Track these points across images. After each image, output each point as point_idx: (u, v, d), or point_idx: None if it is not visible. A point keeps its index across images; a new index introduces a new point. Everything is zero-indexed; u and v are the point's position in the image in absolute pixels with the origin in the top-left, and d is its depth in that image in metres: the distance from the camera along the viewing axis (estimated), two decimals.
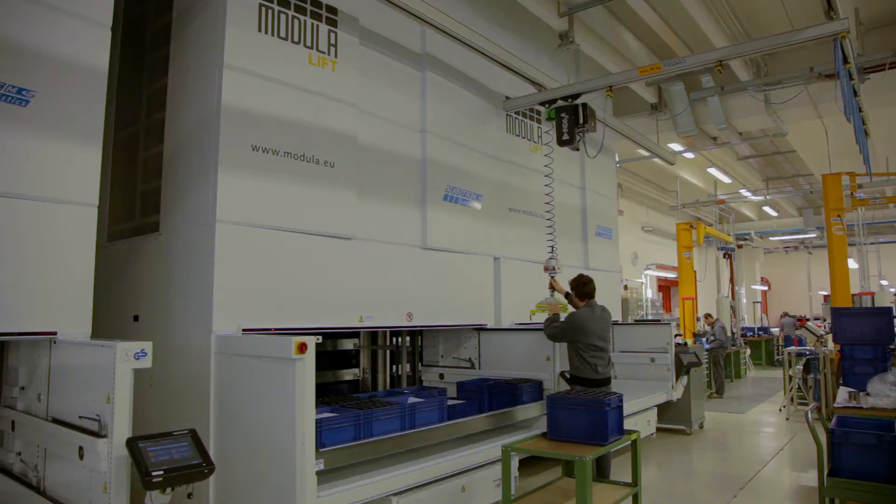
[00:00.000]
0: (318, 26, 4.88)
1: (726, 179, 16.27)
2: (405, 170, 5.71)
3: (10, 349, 3.99)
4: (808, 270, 25.03)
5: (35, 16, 3.40)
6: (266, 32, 4.52)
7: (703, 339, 12.87)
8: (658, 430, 7.78)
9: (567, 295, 5.78)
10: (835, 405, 5.34)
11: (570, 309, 5.67)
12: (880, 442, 3.79)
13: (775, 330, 19.67)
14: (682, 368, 7.74)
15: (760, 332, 19.00)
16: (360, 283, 5.06)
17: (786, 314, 20.92)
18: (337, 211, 4.90)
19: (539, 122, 7.58)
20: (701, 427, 8.77)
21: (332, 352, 6.27)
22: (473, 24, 6.04)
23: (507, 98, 7.01)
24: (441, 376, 6.68)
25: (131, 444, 2.83)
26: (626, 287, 16.47)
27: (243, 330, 4.14)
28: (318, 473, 3.48)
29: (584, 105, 6.36)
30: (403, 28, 5.71)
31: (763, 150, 14.66)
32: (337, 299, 4.85)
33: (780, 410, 10.16)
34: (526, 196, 7.17)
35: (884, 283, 20.72)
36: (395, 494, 4.02)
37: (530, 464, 6.13)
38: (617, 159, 11.49)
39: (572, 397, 4.48)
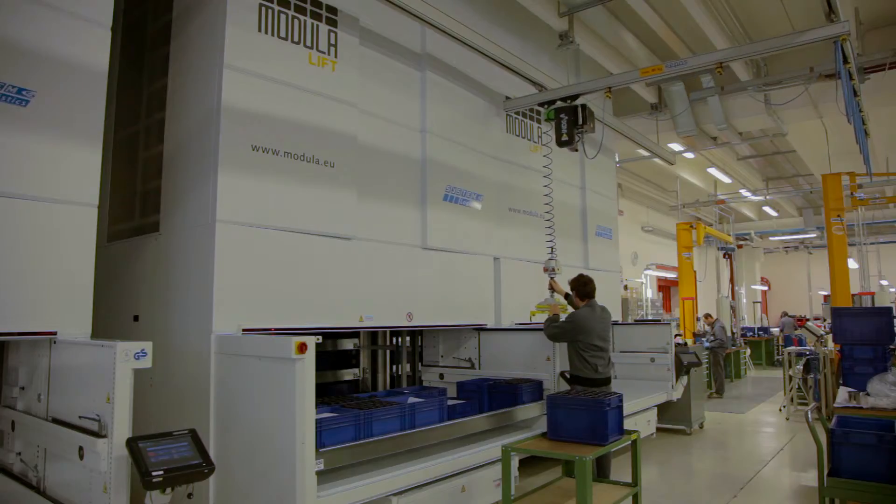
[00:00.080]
0: (318, 26, 4.88)
1: (726, 179, 16.27)
2: (405, 170, 5.71)
3: (10, 349, 3.99)
4: (808, 270, 25.03)
5: (35, 16, 3.40)
6: (266, 32, 4.52)
7: (704, 340, 12.86)
8: (658, 430, 7.78)
9: (567, 296, 5.79)
10: (835, 405, 5.34)
11: (570, 310, 5.67)
12: (880, 442, 3.79)
13: (775, 330, 19.67)
14: (682, 368, 7.74)
15: (760, 332, 19.00)
16: (360, 283, 5.05)
17: (785, 314, 20.93)
18: (337, 211, 4.90)
19: (539, 122, 7.58)
20: (701, 427, 8.78)
21: (332, 352, 6.27)
22: (473, 24, 6.05)
23: (508, 98, 7.01)
24: (441, 376, 6.68)
25: (131, 444, 2.83)
26: (626, 287, 16.48)
27: (243, 330, 4.14)
28: (318, 473, 3.48)
29: (584, 106, 6.37)
30: (403, 28, 5.71)
31: (763, 150, 14.66)
32: (337, 299, 4.85)
33: (780, 410, 10.16)
34: (526, 196, 7.17)
35: (884, 283, 20.71)
36: (395, 494, 4.02)
37: (530, 464, 6.13)
38: (617, 159, 11.49)
39: (572, 397, 4.48)
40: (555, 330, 5.42)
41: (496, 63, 6.26)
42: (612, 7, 8.09)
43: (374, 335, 6.58)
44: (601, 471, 5.14)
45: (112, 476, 2.89)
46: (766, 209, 20.88)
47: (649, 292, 20.56)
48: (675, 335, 9.55)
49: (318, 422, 3.58)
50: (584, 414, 4.26)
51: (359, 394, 5.81)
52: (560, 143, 6.42)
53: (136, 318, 4.70)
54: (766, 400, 11.61)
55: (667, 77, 7.36)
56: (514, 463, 4.75)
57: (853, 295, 12.42)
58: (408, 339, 6.84)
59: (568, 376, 5.41)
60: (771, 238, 24.32)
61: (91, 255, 3.58)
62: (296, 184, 4.61)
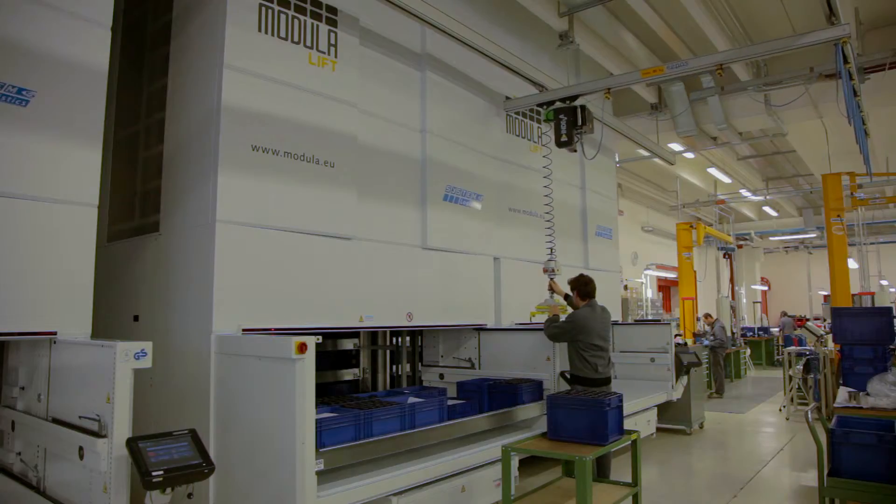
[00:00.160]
0: (318, 26, 4.88)
1: (726, 179, 16.26)
2: (405, 170, 5.71)
3: (10, 349, 3.99)
4: (808, 270, 25.02)
5: (35, 16, 3.40)
6: (266, 32, 4.52)
7: (704, 340, 12.86)
8: (658, 430, 7.78)
9: (566, 297, 5.79)
10: (835, 405, 5.34)
11: (570, 311, 5.67)
12: (880, 442, 3.80)
13: (775, 330, 19.67)
14: (682, 368, 7.74)
15: (760, 332, 19.00)
16: (360, 283, 5.05)
17: (784, 314, 20.93)
18: (337, 211, 4.90)
19: (539, 122, 7.58)
20: (701, 427, 8.78)
21: (332, 352, 6.27)
22: (473, 24, 6.04)
23: (508, 98, 7.01)
24: (441, 376, 6.68)
25: (131, 444, 2.83)
26: (626, 287, 16.47)
27: (243, 330, 4.14)
28: (318, 473, 3.48)
29: (583, 107, 6.37)
30: (403, 28, 5.71)
31: (763, 150, 14.66)
32: (337, 299, 4.85)
33: (780, 410, 10.16)
34: (526, 196, 7.17)
35: (884, 283, 20.69)
36: (395, 494, 4.02)
37: (530, 464, 6.13)
38: (617, 159, 11.50)
39: (572, 397, 4.48)
40: (555, 330, 5.42)
41: (496, 63, 6.26)
42: (612, 7, 8.09)
43: (374, 335, 6.58)
44: (601, 471, 5.14)
45: (112, 476, 2.89)
46: (766, 209, 20.88)
47: (649, 292, 20.56)
48: (675, 335, 9.55)
49: (318, 422, 3.58)
50: (584, 414, 4.26)
51: (359, 394, 5.81)
52: (559, 144, 6.43)
53: (136, 318, 4.70)
54: (766, 400, 11.61)
55: (667, 78, 7.37)
56: (514, 463, 4.75)
57: (853, 295, 12.42)
58: (408, 339, 6.84)
59: (568, 376, 5.41)
60: (771, 238, 24.32)
61: (91, 255, 3.58)
62: (296, 184, 4.61)
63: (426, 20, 5.28)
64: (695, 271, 15.83)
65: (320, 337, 3.48)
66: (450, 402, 5.08)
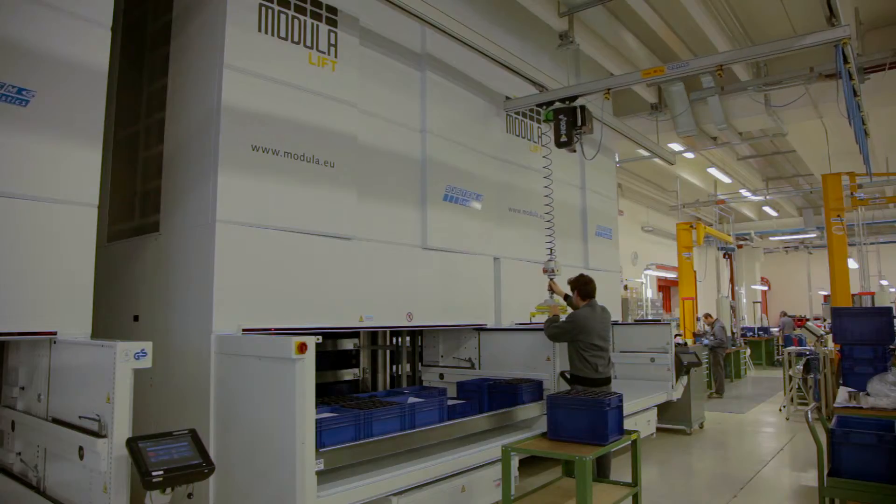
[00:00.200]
0: (318, 26, 4.88)
1: (726, 179, 16.27)
2: (405, 170, 5.71)
3: (10, 349, 3.99)
4: (808, 270, 25.01)
5: (35, 16, 3.40)
6: (266, 32, 4.52)
7: (704, 340, 12.86)
8: (658, 430, 7.78)
9: (566, 297, 5.79)
10: (835, 405, 5.34)
11: (570, 310, 5.67)
12: (880, 442, 3.80)
13: (775, 330, 19.67)
14: (682, 368, 7.74)
15: (760, 332, 19.00)
16: (360, 283, 5.05)
17: (784, 314, 20.93)
18: (337, 211, 4.90)
19: (539, 122, 7.58)
20: (701, 427, 8.77)
21: (332, 352, 6.27)
22: (473, 24, 6.04)
23: (508, 98, 7.01)
24: (441, 376, 6.68)
25: (131, 444, 2.83)
26: (626, 287, 16.47)
27: (243, 330, 4.14)
28: (318, 473, 3.48)
29: (582, 107, 6.38)
30: (403, 28, 5.71)
31: (763, 150, 14.66)
32: (337, 299, 4.85)
33: (780, 410, 10.16)
34: (526, 196, 7.17)
35: (884, 283, 20.70)
36: (395, 494, 4.02)
37: (530, 464, 6.13)
38: (617, 159, 11.49)
39: (572, 397, 4.48)
40: (555, 330, 5.42)
41: (496, 63, 6.26)
42: (612, 7, 8.09)
43: (374, 335, 6.58)
44: (601, 471, 5.14)
45: (112, 476, 2.89)
46: (766, 209, 20.88)
47: (649, 292, 20.56)
48: (675, 335, 9.55)
49: (318, 422, 3.58)
50: (584, 414, 4.26)
51: (359, 394, 5.81)
52: (559, 145, 6.43)
53: (136, 318, 4.70)
54: (766, 400, 11.61)
55: (668, 78, 7.37)
56: (514, 463, 4.75)
57: (853, 295, 12.42)
58: (408, 339, 6.84)
59: (568, 376, 5.41)
60: (771, 238, 24.32)
61: (91, 255, 3.58)
62: (296, 184, 4.61)
63: (426, 20, 5.28)
64: (695, 271, 15.83)
65: (320, 337, 3.48)
66: (450, 402, 5.08)
